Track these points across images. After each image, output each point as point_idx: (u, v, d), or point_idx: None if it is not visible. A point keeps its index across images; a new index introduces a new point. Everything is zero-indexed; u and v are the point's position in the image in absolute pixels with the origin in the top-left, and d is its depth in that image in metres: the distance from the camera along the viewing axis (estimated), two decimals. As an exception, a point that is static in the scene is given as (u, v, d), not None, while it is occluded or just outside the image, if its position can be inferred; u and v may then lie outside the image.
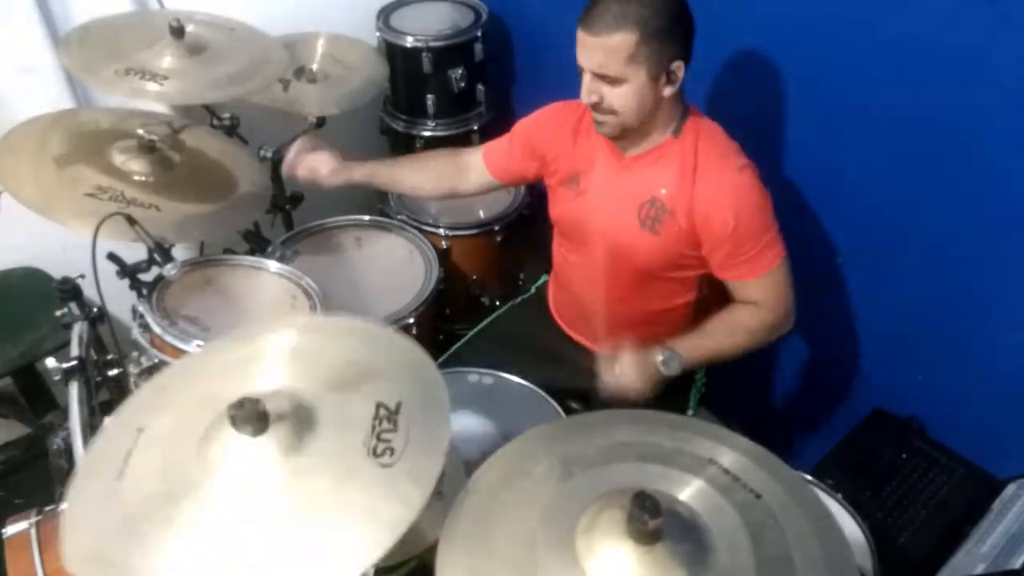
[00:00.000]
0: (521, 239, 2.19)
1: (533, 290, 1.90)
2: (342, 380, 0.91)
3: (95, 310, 1.46)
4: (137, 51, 1.57)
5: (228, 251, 1.89)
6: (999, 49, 1.21)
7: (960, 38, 1.26)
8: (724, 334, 1.45)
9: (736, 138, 1.42)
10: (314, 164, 1.73)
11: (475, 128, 2.37)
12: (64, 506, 0.84)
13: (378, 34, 2.25)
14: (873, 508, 1.36)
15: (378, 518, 0.77)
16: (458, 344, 1.77)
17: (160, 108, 1.76)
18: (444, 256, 2.02)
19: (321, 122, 1.97)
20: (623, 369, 1.42)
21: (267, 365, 0.93)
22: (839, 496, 1.34)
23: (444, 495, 0.92)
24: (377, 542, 0.74)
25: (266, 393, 0.84)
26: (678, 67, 1.32)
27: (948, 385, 1.53)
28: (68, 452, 1.33)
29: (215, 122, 1.88)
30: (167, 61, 1.57)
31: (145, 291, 1.46)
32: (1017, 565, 1.20)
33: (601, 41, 1.27)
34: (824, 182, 1.60)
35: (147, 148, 1.51)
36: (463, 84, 2.26)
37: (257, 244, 1.80)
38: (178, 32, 1.58)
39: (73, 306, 1.45)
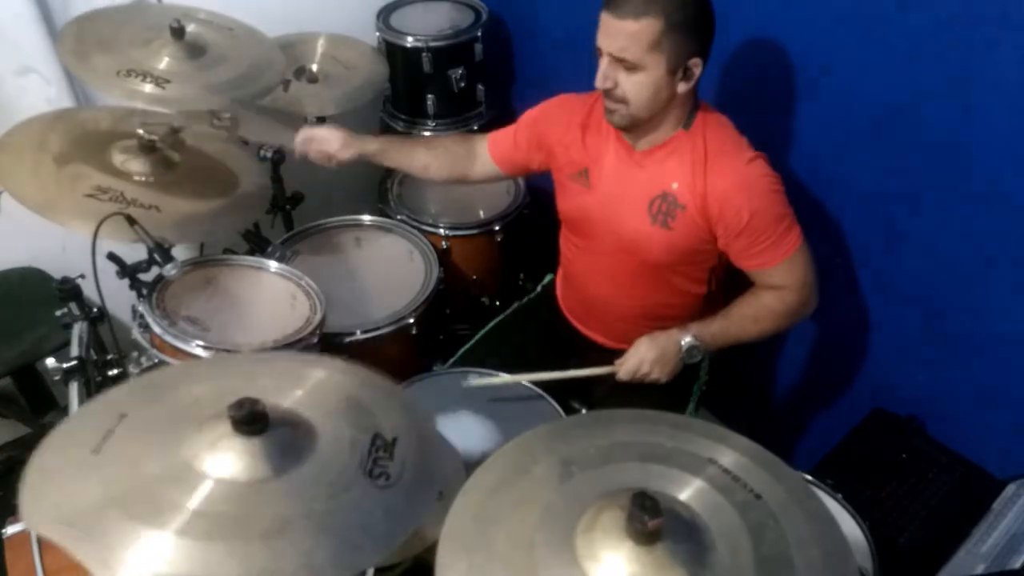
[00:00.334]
0: (521, 239, 2.19)
1: (539, 289, 1.90)
2: (340, 411, 0.91)
3: (95, 310, 1.46)
4: (135, 49, 1.56)
5: (228, 251, 1.89)
6: (1001, 49, 1.21)
7: (961, 39, 1.26)
8: (750, 319, 1.45)
9: (737, 137, 1.42)
10: (324, 142, 1.66)
11: (475, 128, 2.36)
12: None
13: (378, 34, 2.25)
14: (873, 508, 1.36)
15: (370, 531, 0.78)
16: (464, 348, 1.76)
17: (158, 108, 1.76)
18: (444, 256, 2.02)
19: (321, 122, 1.97)
20: (643, 358, 1.43)
21: (272, 385, 0.93)
22: (839, 496, 1.34)
23: (444, 495, 0.92)
24: (367, 553, 0.74)
25: (269, 403, 0.84)
26: (695, 64, 1.32)
27: (948, 385, 1.53)
28: (68, 452, 1.33)
29: (215, 122, 1.87)
30: (166, 62, 1.56)
31: (145, 291, 1.46)
32: (1017, 565, 1.20)
33: (626, 24, 1.27)
34: (824, 182, 1.60)
35: (147, 148, 1.51)
36: (463, 84, 2.26)
37: (257, 244, 1.80)
38: (178, 33, 1.58)
39: (73, 306, 1.46)
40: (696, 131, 1.40)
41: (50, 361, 1.37)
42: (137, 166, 1.49)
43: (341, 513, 0.79)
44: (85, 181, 1.41)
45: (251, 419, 0.80)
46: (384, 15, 2.28)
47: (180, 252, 1.78)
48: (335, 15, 2.22)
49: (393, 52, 2.23)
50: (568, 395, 1.59)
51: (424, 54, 2.18)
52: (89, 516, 0.75)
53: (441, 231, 2.05)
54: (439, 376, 1.62)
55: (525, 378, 1.53)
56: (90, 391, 1.40)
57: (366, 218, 2.04)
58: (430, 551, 0.82)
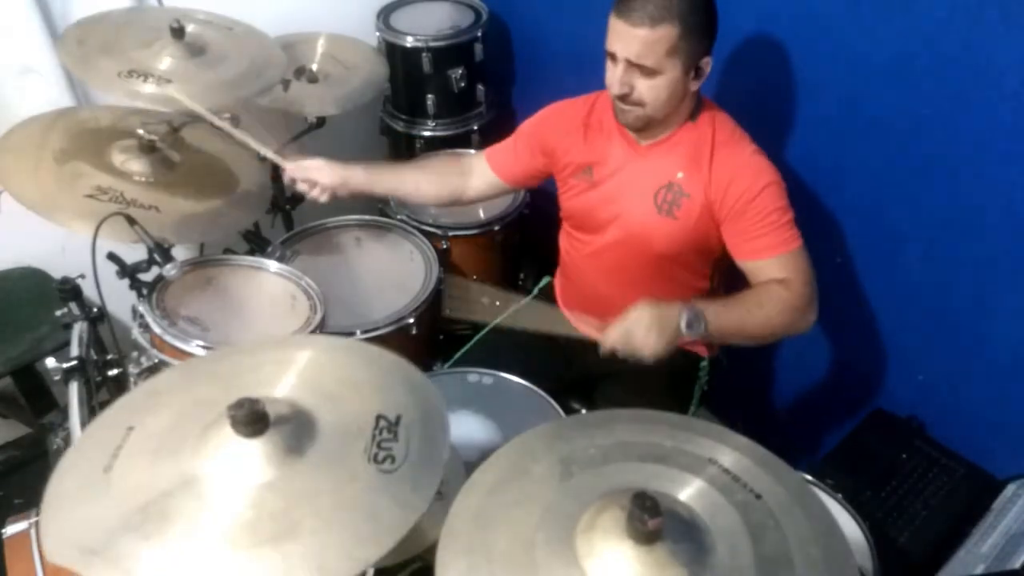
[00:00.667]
0: (521, 239, 2.19)
1: (536, 291, 1.90)
2: (341, 394, 0.91)
3: (95, 310, 1.46)
4: (136, 50, 1.56)
5: (228, 251, 1.89)
6: (1001, 50, 1.21)
7: (961, 39, 1.26)
8: (753, 303, 1.34)
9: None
10: (314, 171, 1.60)
11: (475, 128, 2.36)
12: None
13: (378, 34, 2.25)
14: (873, 508, 1.36)
15: (379, 521, 0.77)
16: (463, 350, 1.76)
17: (160, 107, 1.76)
18: (444, 256, 2.02)
19: (321, 122, 1.97)
20: (638, 321, 1.27)
21: (264, 377, 0.93)
22: (839, 496, 1.34)
23: (444, 495, 0.92)
24: (378, 544, 0.74)
25: (266, 398, 0.84)
26: (707, 63, 1.33)
27: (948, 385, 1.53)
28: (68, 452, 1.33)
29: (219, 119, 1.87)
30: (167, 63, 1.56)
31: (145, 291, 1.46)
32: (1017, 565, 1.20)
33: (642, 32, 1.26)
34: (825, 183, 1.60)
35: (147, 148, 1.51)
36: (463, 84, 2.26)
37: (257, 244, 1.80)
38: (178, 33, 1.58)
39: (73, 306, 1.45)
40: (703, 123, 1.41)
41: (50, 361, 1.37)
42: (137, 166, 1.49)
43: (348, 506, 0.79)
44: (85, 181, 1.41)
45: (251, 419, 0.80)
46: (384, 15, 2.28)
47: (180, 252, 1.77)
48: (335, 15, 2.22)
49: (393, 52, 2.23)
50: (568, 395, 1.59)
51: (424, 54, 2.18)
52: (105, 541, 0.76)
53: (441, 231, 2.05)
54: (438, 376, 1.62)
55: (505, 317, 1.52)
56: (90, 391, 1.40)
57: (366, 218, 2.04)
58: (430, 551, 0.82)
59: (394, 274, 1.91)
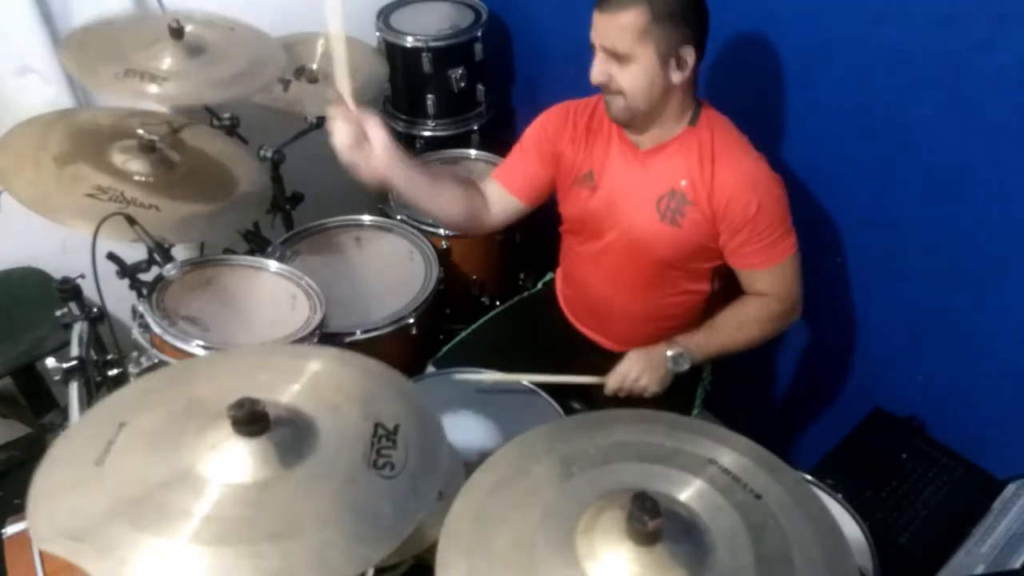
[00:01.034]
0: (521, 239, 2.19)
1: (540, 286, 1.90)
2: (339, 403, 0.91)
3: (95, 310, 1.46)
4: (136, 52, 1.57)
5: (228, 251, 1.89)
6: (1000, 50, 1.21)
7: (961, 39, 1.26)
8: (734, 327, 1.49)
9: (737, 138, 1.42)
10: (371, 130, 1.42)
11: (475, 128, 2.36)
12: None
13: (378, 34, 2.25)
14: (873, 508, 1.36)
15: (380, 522, 0.77)
16: (455, 340, 1.76)
17: (160, 108, 1.76)
18: (444, 256, 2.02)
19: (321, 122, 1.97)
20: (632, 366, 1.47)
21: (262, 383, 0.93)
22: (839, 496, 1.34)
23: (444, 495, 0.92)
24: (379, 544, 0.74)
25: (266, 400, 0.84)
26: (688, 52, 1.32)
27: (948, 385, 1.53)
28: (68, 452, 1.33)
29: (215, 122, 1.88)
30: (167, 63, 1.56)
31: (145, 291, 1.46)
32: (1017, 565, 1.20)
33: (613, 18, 1.29)
34: (825, 183, 1.60)
35: (147, 148, 1.51)
36: (463, 84, 2.26)
37: (257, 244, 1.80)
38: (177, 33, 1.58)
39: (73, 306, 1.45)
40: (703, 127, 1.41)
41: (50, 361, 1.37)
42: (137, 166, 1.49)
43: (349, 508, 0.79)
44: (85, 181, 1.41)
45: (251, 419, 0.80)
46: (384, 15, 2.28)
47: (180, 252, 1.78)
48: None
49: (393, 52, 2.23)
50: (568, 395, 1.59)
51: (424, 54, 2.18)
52: (97, 530, 0.75)
53: (441, 231, 2.04)
54: (439, 376, 1.62)
55: (514, 378, 1.54)
56: (90, 391, 1.40)
57: (366, 218, 2.04)
58: (430, 551, 0.82)
59: (394, 274, 1.91)
